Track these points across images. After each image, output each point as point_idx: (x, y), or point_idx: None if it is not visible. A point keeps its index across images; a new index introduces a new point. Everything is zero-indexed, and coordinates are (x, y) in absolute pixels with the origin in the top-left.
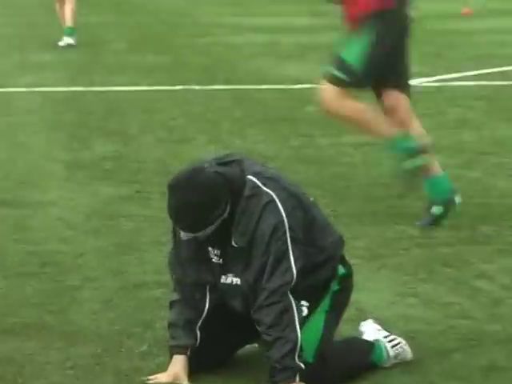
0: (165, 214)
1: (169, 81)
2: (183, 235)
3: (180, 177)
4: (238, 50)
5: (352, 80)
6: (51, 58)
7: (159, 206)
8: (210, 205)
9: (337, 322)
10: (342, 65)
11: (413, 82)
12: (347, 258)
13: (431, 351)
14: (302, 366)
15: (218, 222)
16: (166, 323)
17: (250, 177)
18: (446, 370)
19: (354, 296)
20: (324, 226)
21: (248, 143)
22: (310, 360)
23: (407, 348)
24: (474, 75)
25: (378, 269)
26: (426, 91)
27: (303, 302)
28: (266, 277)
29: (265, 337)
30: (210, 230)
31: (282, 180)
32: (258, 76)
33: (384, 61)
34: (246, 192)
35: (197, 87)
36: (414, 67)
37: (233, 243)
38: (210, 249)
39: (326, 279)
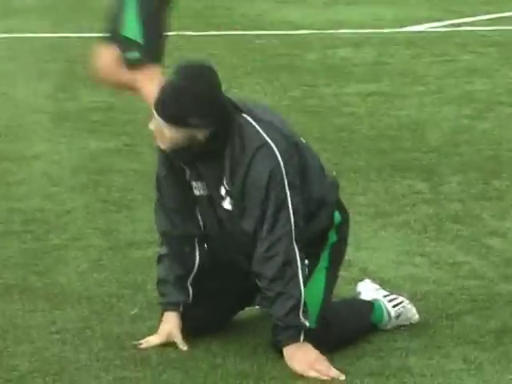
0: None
1: None
2: (151, 124)
3: (190, 62)
4: None
5: (147, 55)
6: (35, 1)
7: (150, 159)
8: (196, 97)
9: (336, 278)
10: (129, 44)
11: (421, 26)
12: (351, 214)
13: (440, 313)
14: (307, 324)
15: (189, 133)
16: None
17: (244, 115)
18: (455, 333)
19: (358, 255)
20: (318, 171)
21: (245, 93)
22: (313, 325)
23: (411, 307)
24: (487, 20)
25: (384, 226)
26: (435, 37)
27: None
28: (266, 227)
29: (266, 292)
30: (175, 134)
31: (276, 120)
32: (256, 21)
33: (159, 26)
34: (238, 129)
35: (190, 33)
36: (422, 11)
37: (225, 185)
38: (194, 184)
39: (323, 229)
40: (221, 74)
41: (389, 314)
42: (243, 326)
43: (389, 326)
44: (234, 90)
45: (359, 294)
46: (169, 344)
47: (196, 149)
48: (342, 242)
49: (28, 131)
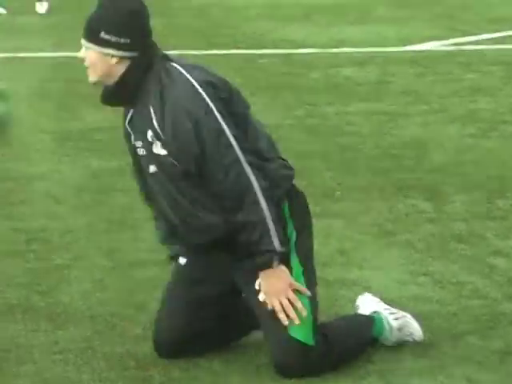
0: None
1: (163, 45)
2: (81, 51)
3: None
4: (237, 12)
5: None
6: (37, 20)
7: None
8: (115, 12)
9: (314, 277)
10: None
11: (424, 45)
12: (352, 233)
13: (444, 333)
14: (281, 248)
15: (104, 54)
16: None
17: (172, 63)
18: (459, 354)
19: (361, 274)
20: (267, 145)
21: None
22: (312, 343)
23: (414, 322)
24: (491, 39)
25: (387, 245)
26: (439, 56)
27: None
28: (210, 161)
29: (234, 224)
30: (92, 55)
31: (206, 67)
32: (259, 40)
33: None
34: (162, 70)
35: (193, 52)
36: (425, 30)
37: (155, 127)
38: (137, 145)
39: None
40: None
41: (390, 326)
42: (246, 345)
43: (391, 340)
44: None
45: (357, 307)
46: (171, 363)
47: (114, 81)
48: (304, 231)
49: (31, 151)
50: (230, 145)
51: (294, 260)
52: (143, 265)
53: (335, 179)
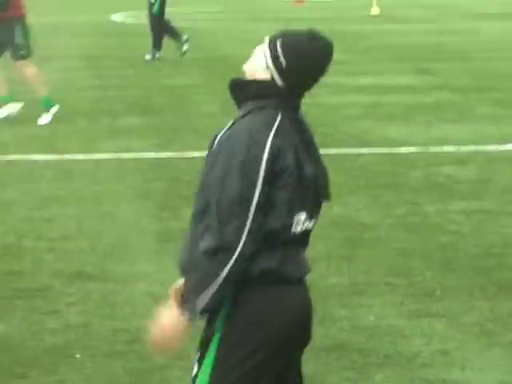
0: None
1: None
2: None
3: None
4: (337, 110)
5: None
6: (140, 121)
7: None
8: (299, 46)
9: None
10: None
11: None
12: (454, 333)
13: None
14: (196, 309)
15: (263, 58)
16: None
17: (280, 117)
18: None
19: (463, 374)
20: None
21: (348, 211)
22: None
23: None
24: None
25: (489, 346)
26: None
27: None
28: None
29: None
30: (256, 54)
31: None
32: (359, 139)
33: None
34: (264, 113)
35: None
36: None
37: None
38: None
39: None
40: None
41: None
42: None
43: None
44: (336, 208)
45: None
46: None
47: (248, 87)
48: (241, 342)
49: (132, 251)
50: (248, 209)
51: (210, 356)
52: None
53: (436, 278)
